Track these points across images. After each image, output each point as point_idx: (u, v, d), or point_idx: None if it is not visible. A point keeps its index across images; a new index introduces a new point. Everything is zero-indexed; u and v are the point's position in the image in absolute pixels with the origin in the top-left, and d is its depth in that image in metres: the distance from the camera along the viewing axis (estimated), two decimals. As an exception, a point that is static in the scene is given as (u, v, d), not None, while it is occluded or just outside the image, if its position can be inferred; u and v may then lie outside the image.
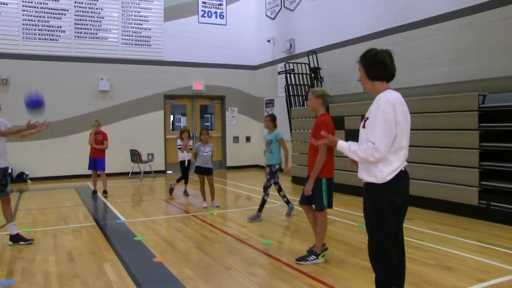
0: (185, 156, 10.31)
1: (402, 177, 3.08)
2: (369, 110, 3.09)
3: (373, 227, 3.15)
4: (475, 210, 7.34)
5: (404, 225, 6.76)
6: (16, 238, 6.24)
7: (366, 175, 3.12)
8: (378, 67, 3.10)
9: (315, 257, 5.11)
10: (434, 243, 5.87)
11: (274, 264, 5.18)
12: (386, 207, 3.06)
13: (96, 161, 10.12)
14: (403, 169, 3.11)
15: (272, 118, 7.65)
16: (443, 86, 8.59)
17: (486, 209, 7.21)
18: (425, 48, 9.43)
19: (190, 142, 10.48)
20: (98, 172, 10.25)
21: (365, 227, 3.24)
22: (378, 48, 3.22)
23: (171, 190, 10.32)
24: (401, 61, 9.76)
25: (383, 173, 3.01)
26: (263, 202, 7.59)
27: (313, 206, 5.28)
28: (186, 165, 10.37)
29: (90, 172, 10.55)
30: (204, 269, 5.00)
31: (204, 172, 8.79)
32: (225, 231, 6.80)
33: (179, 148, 10.33)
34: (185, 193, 10.50)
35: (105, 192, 10.30)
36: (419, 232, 6.49)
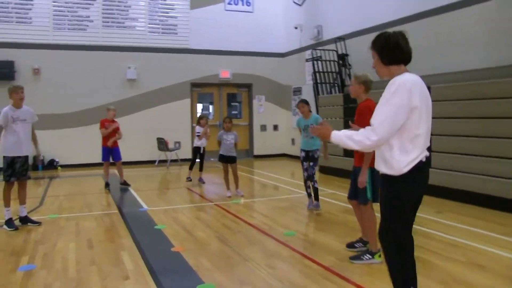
0: (203, 142, 10.25)
1: (421, 169, 2.87)
2: (382, 95, 2.86)
3: (389, 220, 3.00)
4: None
5: (433, 218, 6.53)
6: (25, 220, 6.60)
7: (382, 167, 2.94)
8: (392, 50, 2.92)
9: (370, 256, 4.71)
10: (465, 239, 5.52)
11: (295, 256, 5.02)
12: (404, 200, 2.90)
13: (113, 151, 9.69)
14: (424, 159, 2.89)
15: (307, 103, 7.30)
16: (479, 72, 8.11)
17: None
18: (459, 32, 8.92)
19: (208, 129, 10.41)
20: (110, 162, 9.75)
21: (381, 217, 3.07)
22: (391, 31, 3.00)
23: (189, 179, 10.45)
24: (433, 46, 9.48)
25: (400, 164, 2.82)
26: (316, 190, 7.36)
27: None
28: (201, 151, 10.31)
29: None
30: (222, 260, 4.89)
31: (227, 160, 8.68)
32: (247, 221, 6.66)
33: (197, 135, 10.26)
34: (200, 180, 10.44)
35: (125, 183, 10.03)
36: (449, 226, 6.16)
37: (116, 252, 5.19)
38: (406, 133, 2.81)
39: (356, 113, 4.90)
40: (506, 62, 7.75)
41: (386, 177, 2.93)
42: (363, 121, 4.23)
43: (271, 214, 7.18)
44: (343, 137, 2.88)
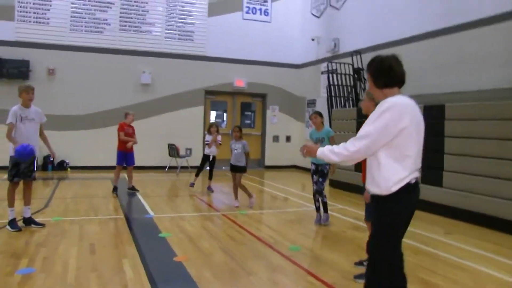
0: (212, 151, 10.18)
1: (410, 190, 2.87)
2: (372, 112, 2.90)
3: (377, 237, 2.99)
4: None
5: (442, 239, 6.35)
6: (28, 221, 6.52)
7: (371, 186, 2.97)
8: (386, 74, 2.96)
9: None
10: (475, 263, 5.34)
11: (299, 272, 4.88)
12: (392, 219, 2.90)
13: (127, 156, 9.71)
14: (413, 180, 2.89)
15: (321, 115, 7.20)
16: (495, 91, 7.97)
17: None
18: (476, 51, 8.78)
19: (219, 137, 10.29)
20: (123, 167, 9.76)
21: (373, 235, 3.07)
22: (384, 55, 3.06)
23: (192, 185, 10.34)
24: (450, 64, 9.34)
25: (387, 183, 2.85)
26: (325, 204, 7.26)
27: None
28: (211, 159, 10.24)
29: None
30: (225, 272, 4.77)
31: (235, 169, 8.57)
32: (253, 233, 6.54)
33: (207, 144, 10.21)
34: (209, 189, 10.35)
35: (134, 188, 9.95)
36: (459, 249, 5.97)
37: (118, 259, 5.10)
38: (394, 153, 2.84)
39: None
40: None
41: (375, 196, 2.97)
42: None
43: (278, 227, 7.05)
44: (326, 151, 2.95)
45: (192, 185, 10.37)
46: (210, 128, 10.28)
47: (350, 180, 10.42)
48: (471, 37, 8.90)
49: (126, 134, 9.67)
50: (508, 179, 6.98)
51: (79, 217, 7.35)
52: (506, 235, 6.73)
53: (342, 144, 2.90)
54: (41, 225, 6.51)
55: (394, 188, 2.82)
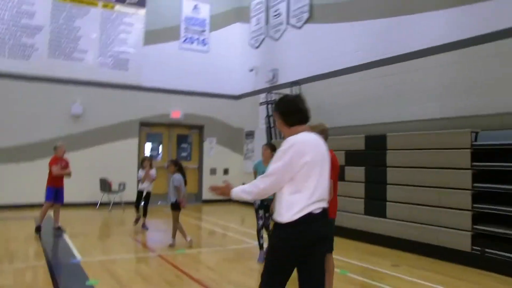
0: (145, 186, 9.58)
1: (311, 220, 3.02)
2: (278, 149, 3.13)
3: (266, 264, 3.16)
4: (468, 257, 6.69)
5: (388, 272, 6.17)
6: None
7: (275, 214, 3.13)
8: (294, 114, 3.20)
9: None
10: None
11: (244, 321, 4.43)
12: (286, 246, 3.03)
13: (58, 192, 8.99)
14: (317, 211, 3.05)
15: (272, 147, 6.83)
16: (434, 122, 8.14)
17: (480, 256, 6.57)
18: (415, 82, 8.95)
19: (153, 171, 9.66)
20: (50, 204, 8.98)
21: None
22: (290, 95, 3.42)
23: (136, 221, 9.62)
24: (390, 95, 9.41)
25: (288, 212, 3.01)
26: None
27: None
28: (145, 195, 9.62)
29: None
30: (161, 326, 4.23)
31: (171, 206, 8.04)
32: (192, 276, 6.00)
33: (139, 180, 9.65)
34: (144, 227, 9.61)
35: (60, 228, 9.11)
36: (408, 282, 5.82)
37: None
38: (296, 186, 3.02)
39: None
40: (461, 113, 7.81)
41: (276, 225, 3.10)
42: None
43: (218, 267, 6.57)
44: (239, 192, 3.13)
45: (145, 227, 9.54)
46: (143, 162, 9.69)
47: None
48: (408, 68, 9.06)
49: (61, 168, 8.96)
50: (447, 207, 7.07)
51: (-10, 265, 6.45)
52: (450, 264, 6.76)
53: (253, 182, 3.11)
54: None
55: (295, 217, 2.98)
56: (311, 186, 3.04)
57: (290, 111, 3.20)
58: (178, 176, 7.97)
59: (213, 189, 3.25)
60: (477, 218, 6.74)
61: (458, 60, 8.15)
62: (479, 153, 6.83)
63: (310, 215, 3.00)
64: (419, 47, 8.85)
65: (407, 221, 7.63)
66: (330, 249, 4.65)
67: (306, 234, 3.00)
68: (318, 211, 3.05)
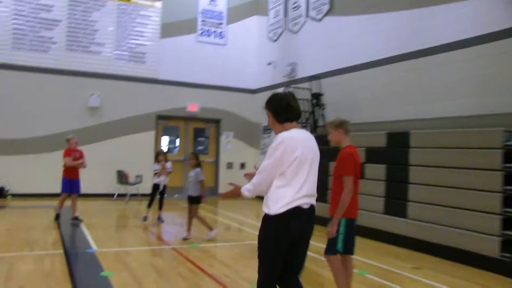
0: (162, 179, 9.49)
1: (296, 214, 3.12)
2: (270, 146, 3.22)
3: (261, 257, 3.24)
4: (496, 264, 6.27)
5: (409, 274, 5.96)
6: None
7: (263, 206, 3.23)
8: (285, 110, 3.29)
9: None
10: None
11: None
12: (275, 238, 3.14)
13: (74, 183, 9.06)
14: (305, 206, 3.16)
15: None
16: (461, 119, 7.73)
17: (509, 263, 6.16)
18: (441, 77, 8.54)
19: (169, 164, 9.61)
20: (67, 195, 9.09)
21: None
22: (281, 92, 3.49)
23: (145, 218, 9.43)
24: (414, 90, 9.11)
25: (275, 205, 3.11)
26: None
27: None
28: (161, 189, 9.53)
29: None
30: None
31: (189, 200, 7.97)
32: (207, 271, 5.91)
33: (155, 173, 9.51)
34: (160, 219, 9.59)
35: (77, 218, 9.12)
36: (428, 286, 5.58)
37: (48, 307, 4.37)
38: (285, 180, 3.13)
39: (337, 160, 4.51)
40: (492, 111, 7.38)
41: (264, 216, 3.21)
42: (345, 169, 4.29)
43: (234, 263, 6.43)
44: (243, 191, 3.28)
45: (145, 218, 9.43)
46: (157, 157, 9.61)
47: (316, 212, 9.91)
48: (434, 63, 8.70)
49: (74, 159, 9.02)
50: (474, 210, 6.71)
51: (11, 253, 6.47)
52: (476, 270, 6.40)
53: (251, 180, 3.24)
54: None
55: (282, 210, 3.09)
56: (300, 181, 3.14)
57: (282, 109, 3.28)
58: (198, 170, 7.92)
59: (224, 195, 3.51)
60: (507, 223, 6.33)
61: (489, 54, 7.68)
62: (511, 154, 6.48)
63: (297, 209, 3.11)
64: (446, 41, 8.44)
65: (430, 223, 7.32)
66: (350, 251, 4.50)
67: (293, 227, 3.12)
68: (306, 206, 3.17)
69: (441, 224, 7.16)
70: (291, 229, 3.12)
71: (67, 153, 9.02)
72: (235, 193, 3.40)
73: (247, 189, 3.25)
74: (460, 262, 6.72)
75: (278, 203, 3.10)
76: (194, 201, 7.92)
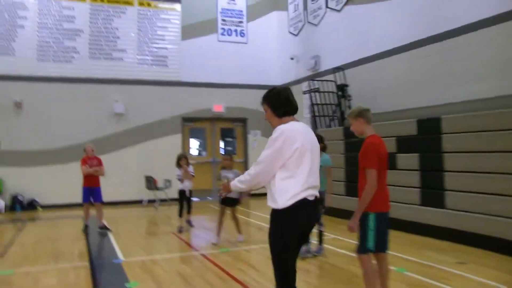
0: (186, 185, 9.10)
1: (304, 205, 3.12)
2: (269, 138, 3.24)
3: (273, 250, 3.19)
4: None
5: (454, 270, 5.55)
6: None
7: (269, 201, 3.22)
8: (284, 104, 3.35)
9: None
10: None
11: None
12: (284, 232, 3.12)
13: (94, 191, 8.94)
14: (310, 197, 3.17)
15: (321, 140, 6.26)
16: (493, 100, 7.31)
17: None
18: (468, 58, 8.13)
19: (191, 168, 9.21)
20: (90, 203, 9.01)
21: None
22: (279, 87, 3.54)
23: (180, 229, 8.99)
24: (441, 74, 8.64)
25: (282, 198, 3.11)
26: (321, 233, 6.67)
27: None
28: (188, 195, 9.15)
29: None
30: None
31: (226, 202, 7.64)
32: (235, 276, 5.67)
33: (179, 179, 9.07)
34: (189, 223, 9.37)
35: (105, 227, 8.97)
36: (477, 283, 5.11)
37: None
38: (288, 172, 3.14)
39: (360, 151, 4.20)
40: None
41: (272, 211, 3.20)
42: (368, 160, 4.04)
43: (263, 267, 6.14)
44: (236, 183, 3.32)
45: (181, 230, 8.94)
46: (179, 161, 9.12)
47: (343, 205, 9.46)
48: (459, 44, 8.29)
49: (91, 167, 8.93)
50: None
51: (36, 266, 6.40)
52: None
53: (246, 171, 3.28)
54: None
55: (289, 203, 3.08)
56: (305, 172, 3.15)
57: (280, 103, 3.34)
58: (237, 171, 7.74)
59: (221, 192, 3.55)
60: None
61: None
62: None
63: (304, 201, 3.11)
64: (468, 21, 8.04)
65: (471, 212, 6.83)
66: (384, 248, 4.14)
67: (301, 218, 3.12)
68: (311, 198, 3.17)
69: (484, 213, 6.64)
70: (299, 220, 3.12)
71: (84, 162, 8.95)
72: (226, 189, 3.42)
73: (239, 180, 3.28)
74: (509, 254, 6.15)
75: (284, 195, 3.10)
76: (234, 203, 7.71)
